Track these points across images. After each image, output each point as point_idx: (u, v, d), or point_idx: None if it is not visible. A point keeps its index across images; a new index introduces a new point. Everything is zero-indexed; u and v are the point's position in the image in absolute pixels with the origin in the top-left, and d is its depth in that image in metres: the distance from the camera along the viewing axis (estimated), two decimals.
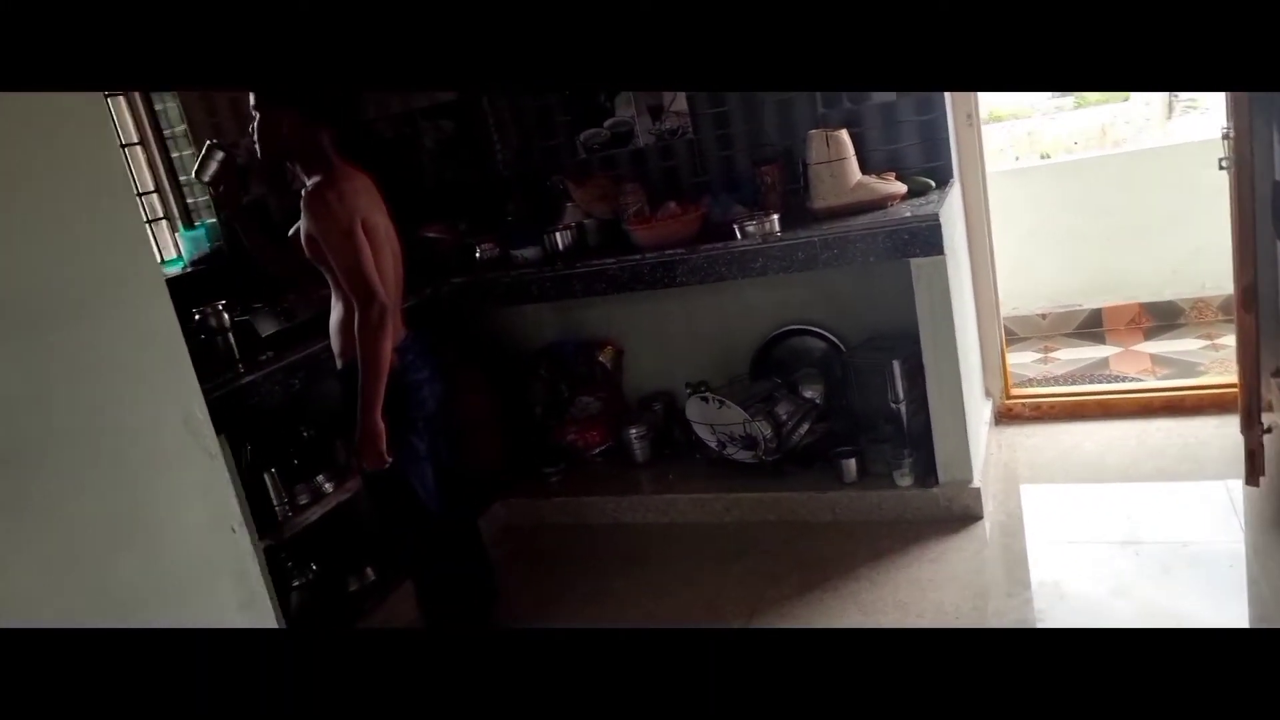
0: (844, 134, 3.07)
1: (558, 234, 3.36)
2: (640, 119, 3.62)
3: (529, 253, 3.40)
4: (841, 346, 3.50)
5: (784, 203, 3.25)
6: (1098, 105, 12.88)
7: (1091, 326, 4.60)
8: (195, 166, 2.43)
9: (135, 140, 3.24)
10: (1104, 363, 4.20)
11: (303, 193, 2.18)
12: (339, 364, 2.29)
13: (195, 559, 1.09)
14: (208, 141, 2.40)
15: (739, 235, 3.02)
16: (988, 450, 3.31)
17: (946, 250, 2.81)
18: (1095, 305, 4.60)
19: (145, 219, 2.91)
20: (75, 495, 0.99)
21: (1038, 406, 3.64)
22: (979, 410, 3.38)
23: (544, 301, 3.46)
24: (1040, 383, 4.02)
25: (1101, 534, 2.80)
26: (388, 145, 4.01)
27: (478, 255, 3.53)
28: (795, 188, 3.28)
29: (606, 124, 3.67)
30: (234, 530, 1.14)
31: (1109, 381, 3.93)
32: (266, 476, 2.72)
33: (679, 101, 3.55)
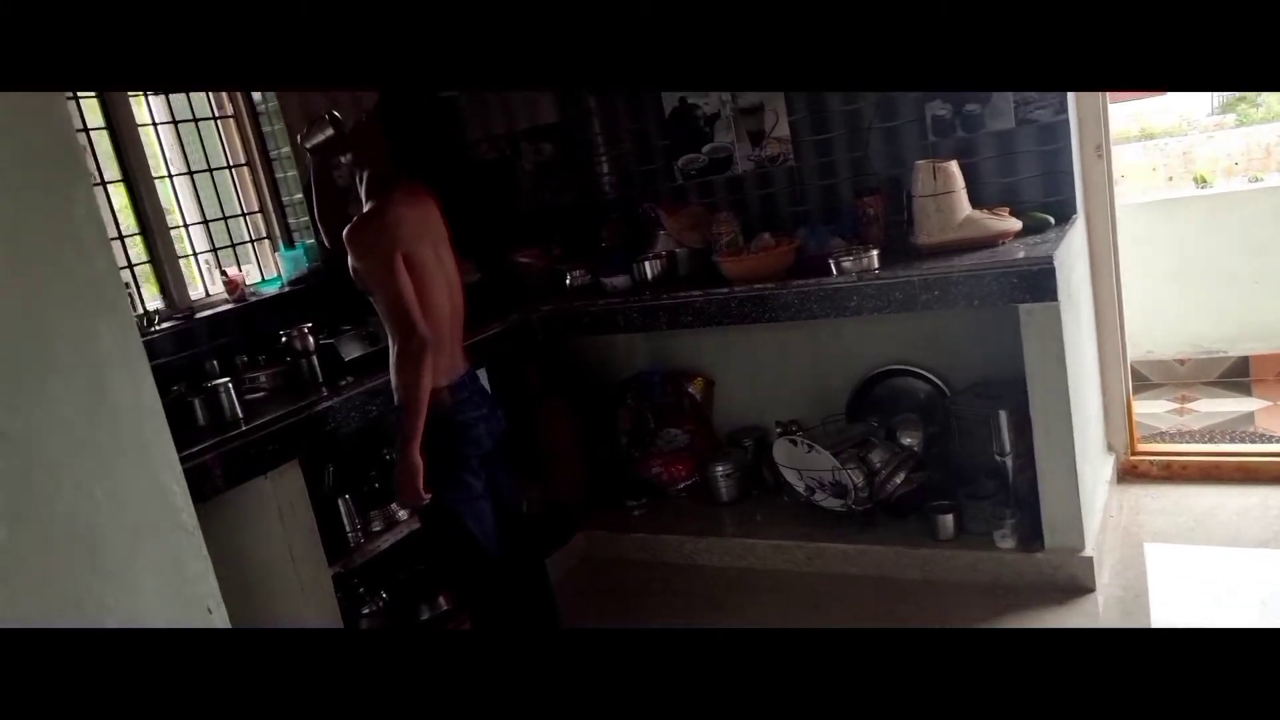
0: (953, 165, 2.87)
1: (647, 263, 3.27)
2: (740, 145, 3.50)
3: (618, 281, 3.32)
4: (945, 390, 3.28)
5: (886, 236, 3.06)
6: (1261, 124, 11.88)
7: (1236, 376, 4.17)
8: (304, 131, 2.45)
9: (242, 161, 3.34)
10: (1248, 418, 3.79)
11: (346, 227, 2.17)
12: (395, 399, 2.26)
13: None
14: (329, 113, 2.42)
15: (834, 271, 2.85)
16: (1106, 513, 3.02)
17: (1062, 295, 2.56)
18: (1242, 353, 4.16)
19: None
20: (26, 583, 0.95)
21: (1167, 465, 3.30)
22: (1097, 468, 3.10)
23: (630, 332, 3.38)
24: (1172, 437, 3.66)
25: (1233, 620, 2.49)
26: (489, 166, 4.02)
27: (567, 282, 3.48)
28: (899, 220, 3.09)
29: (705, 150, 3.56)
30: (210, 611, 1.09)
31: (1253, 441, 3.54)
32: (340, 502, 2.73)
33: (781, 127, 3.41)
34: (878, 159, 3.25)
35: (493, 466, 2.35)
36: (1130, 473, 3.35)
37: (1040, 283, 2.52)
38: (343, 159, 2.33)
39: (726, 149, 3.52)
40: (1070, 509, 2.72)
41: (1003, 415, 2.87)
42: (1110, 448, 3.35)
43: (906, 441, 3.18)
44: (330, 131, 2.39)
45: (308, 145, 2.45)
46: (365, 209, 2.18)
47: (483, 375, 2.88)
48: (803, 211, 3.42)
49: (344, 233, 2.16)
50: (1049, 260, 2.51)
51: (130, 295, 2.96)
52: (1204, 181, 7.85)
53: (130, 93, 3.00)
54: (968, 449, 3.06)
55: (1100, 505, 2.99)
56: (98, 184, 2.91)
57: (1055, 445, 2.67)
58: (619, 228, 3.67)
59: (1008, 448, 2.89)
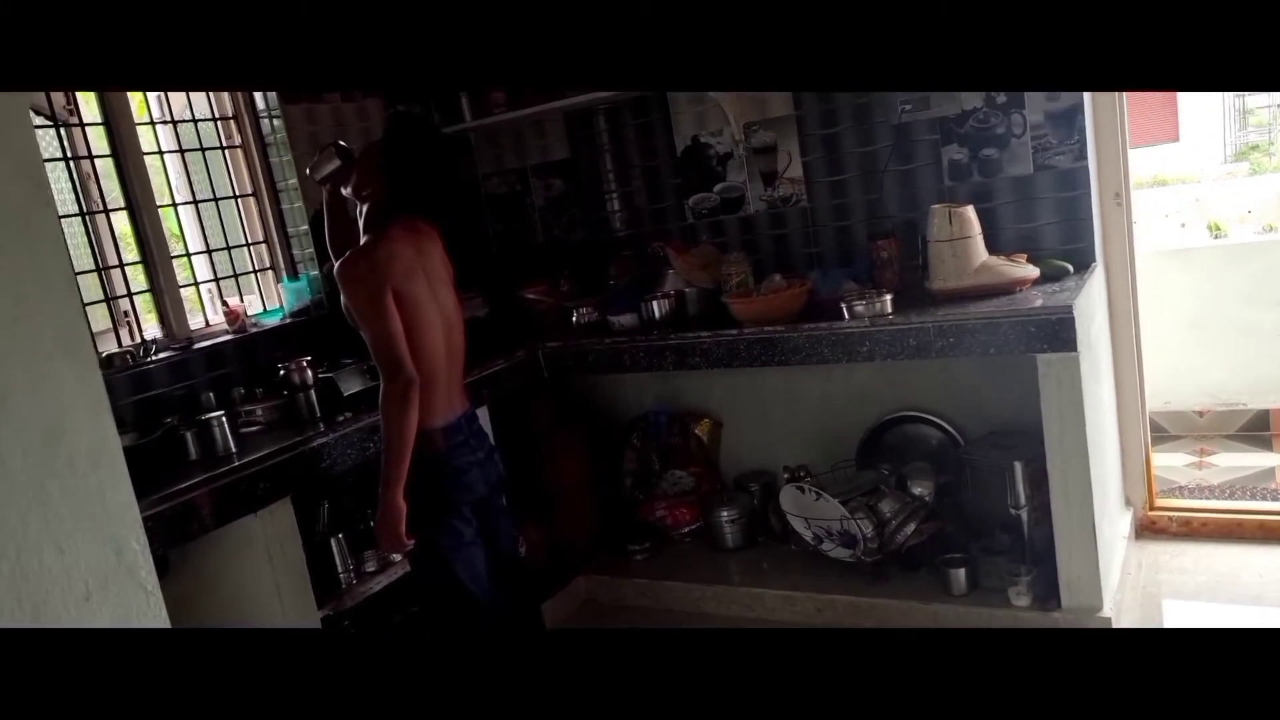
0: (969, 210, 2.81)
1: (655, 302, 3.21)
2: (752, 185, 3.45)
3: (625, 319, 3.26)
4: (959, 438, 3.19)
5: (900, 281, 3.00)
6: (1275, 172, 11.84)
7: (1257, 429, 4.07)
8: (312, 162, 2.42)
9: (249, 192, 3.30)
10: (1269, 474, 3.68)
11: (337, 264, 2.12)
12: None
13: None
14: (335, 143, 2.38)
15: (846, 315, 2.79)
16: (1124, 570, 2.92)
17: (1081, 345, 2.49)
18: (1263, 406, 4.07)
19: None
20: None
21: (1187, 522, 3.20)
22: (1115, 523, 3.00)
23: (636, 372, 3.31)
24: (1192, 493, 3.56)
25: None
26: (499, 201, 3.99)
27: (574, 319, 3.42)
28: (914, 264, 3.03)
29: (716, 189, 3.52)
30: None
31: (1275, 498, 3.43)
32: (333, 541, 2.65)
33: (794, 168, 3.36)
34: (893, 202, 3.20)
35: (488, 512, 2.27)
36: (1148, 528, 3.25)
37: (1059, 332, 2.45)
38: (344, 190, 2.29)
39: (739, 188, 3.48)
40: (1088, 566, 2.62)
41: (1018, 467, 2.79)
42: (1128, 502, 3.25)
43: (917, 491, 3.09)
44: (337, 163, 2.36)
45: (315, 177, 2.42)
46: (348, 252, 2.13)
47: (484, 415, 2.81)
48: (815, 253, 3.37)
49: (335, 268, 2.11)
50: (1068, 310, 2.44)
51: (129, 324, 2.91)
52: (1219, 230, 7.77)
53: (132, 94, 2.98)
54: (981, 500, 2.97)
55: (1118, 562, 2.89)
56: (100, 211, 2.87)
57: (1073, 500, 2.58)
58: (628, 265, 3.62)
59: (1023, 500, 2.80)
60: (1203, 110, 13.54)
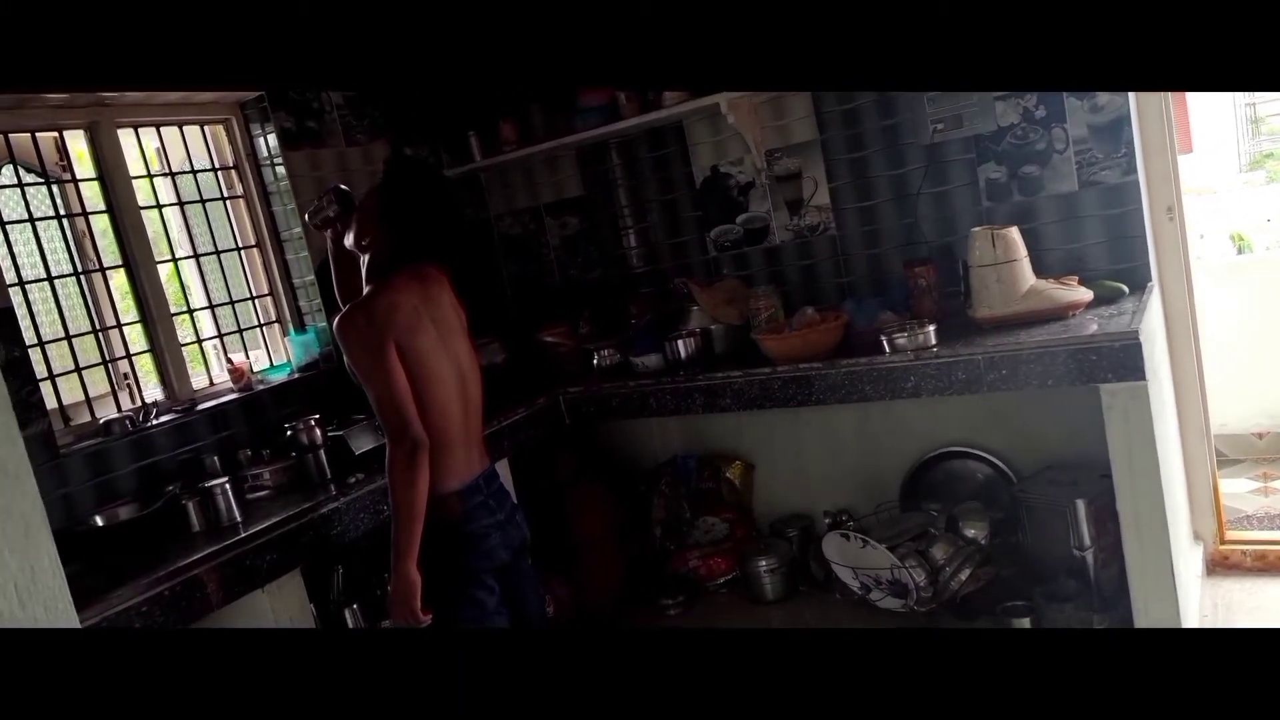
0: (1014, 232, 2.63)
1: (680, 341, 3.03)
2: (776, 214, 3.29)
3: (649, 360, 3.09)
4: (1011, 476, 2.99)
5: (940, 309, 2.82)
6: None
7: None
8: (311, 207, 2.29)
9: (252, 243, 3.17)
10: None
11: (335, 319, 1.97)
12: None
13: None
14: (335, 187, 2.25)
15: (887, 348, 2.60)
16: (1200, 612, 2.69)
17: (1148, 373, 2.29)
18: None
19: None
20: None
21: (1262, 555, 2.98)
22: (1187, 561, 2.78)
23: (662, 415, 3.13)
24: (1261, 522, 3.33)
25: None
26: (513, 241, 3.85)
27: (595, 362, 3.25)
28: (954, 291, 2.85)
29: (739, 220, 3.36)
30: None
31: None
32: (348, 612, 2.48)
33: (820, 195, 3.20)
34: (928, 226, 3.02)
35: (512, 577, 2.07)
36: (1220, 564, 3.03)
37: (1125, 360, 2.26)
38: (346, 239, 2.14)
39: (763, 219, 3.32)
40: (1167, 611, 2.40)
41: (1080, 505, 2.59)
42: (1197, 536, 3.03)
43: (970, 533, 2.88)
44: (336, 208, 2.22)
45: (313, 223, 2.28)
46: (347, 306, 1.98)
47: (504, 470, 2.64)
48: (847, 283, 3.20)
49: (334, 323, 1.95)
50: (1134, 335, 2.25)
51: (129, 386, 2.76)
52: (1242, 240, 7.53)
53: (128, 148, 2.85)
54: (1040, 542, 2.76)
55: (1195, 604, 2.67)
56: (96, 270, 2.74)
57: (1147, 540, 2.37)
58: (649, 304, 3.46)
59: (1088, 541, 2.60)
60: (1214, 120, 13.35)
